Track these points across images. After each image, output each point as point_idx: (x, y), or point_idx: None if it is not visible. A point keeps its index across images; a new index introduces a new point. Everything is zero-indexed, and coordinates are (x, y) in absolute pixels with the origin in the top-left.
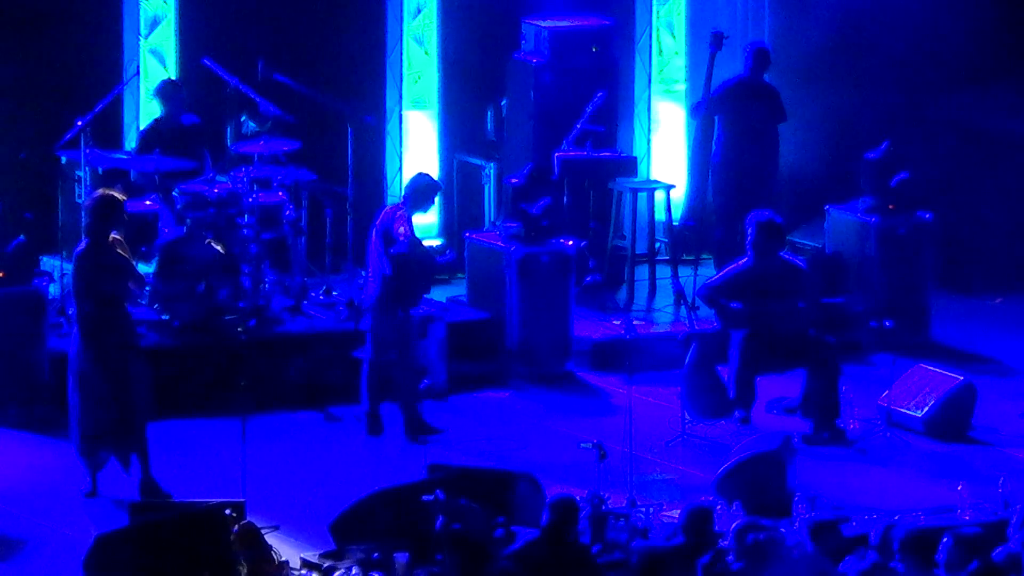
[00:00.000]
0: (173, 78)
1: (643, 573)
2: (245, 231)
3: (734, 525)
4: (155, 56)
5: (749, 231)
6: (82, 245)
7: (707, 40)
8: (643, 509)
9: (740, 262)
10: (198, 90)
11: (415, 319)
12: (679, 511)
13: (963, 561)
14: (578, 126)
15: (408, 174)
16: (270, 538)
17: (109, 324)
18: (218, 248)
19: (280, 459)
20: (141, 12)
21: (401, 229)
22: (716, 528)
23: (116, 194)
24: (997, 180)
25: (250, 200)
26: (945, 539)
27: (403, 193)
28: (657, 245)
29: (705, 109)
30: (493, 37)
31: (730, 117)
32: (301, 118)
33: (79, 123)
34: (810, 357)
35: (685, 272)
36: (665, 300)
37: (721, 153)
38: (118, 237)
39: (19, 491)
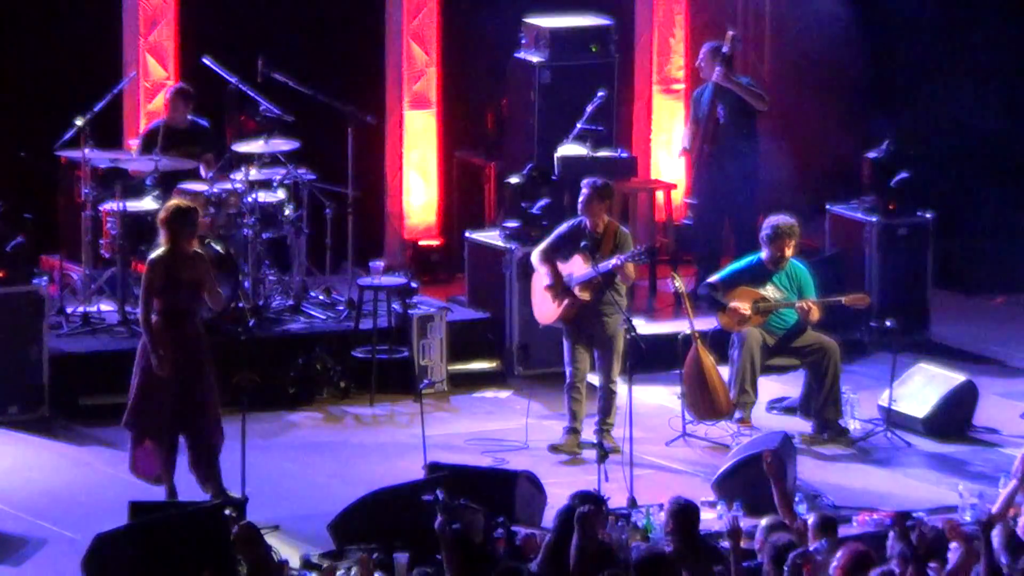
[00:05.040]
0: (185, 85)
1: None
2: (245, 231)
3: (764, 523)
4: (155, 56)
5: (765, 231)
6: (155, 253)
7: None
8: (643, 509)
9: (745, 259)
10: (198, 90)
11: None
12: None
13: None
14: (578, 126)
15: (408, 174)
16: (270, 538)
17: (174, 337)
18: (218, 248)
19: (280, 459)
20: (141, 12)
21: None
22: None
23: (188, 204)
24: (997, 180)
25: (250, 200)
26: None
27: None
28: (657, 245)
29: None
30: (493, 37)
31: (702, 120)
32: (301, 118)
33: (79, 123)
34: (810, 357)
35: (685, 272)
36: (665, 300)
37: (698, 153)
38: (200, 252)
39: (20, 491)
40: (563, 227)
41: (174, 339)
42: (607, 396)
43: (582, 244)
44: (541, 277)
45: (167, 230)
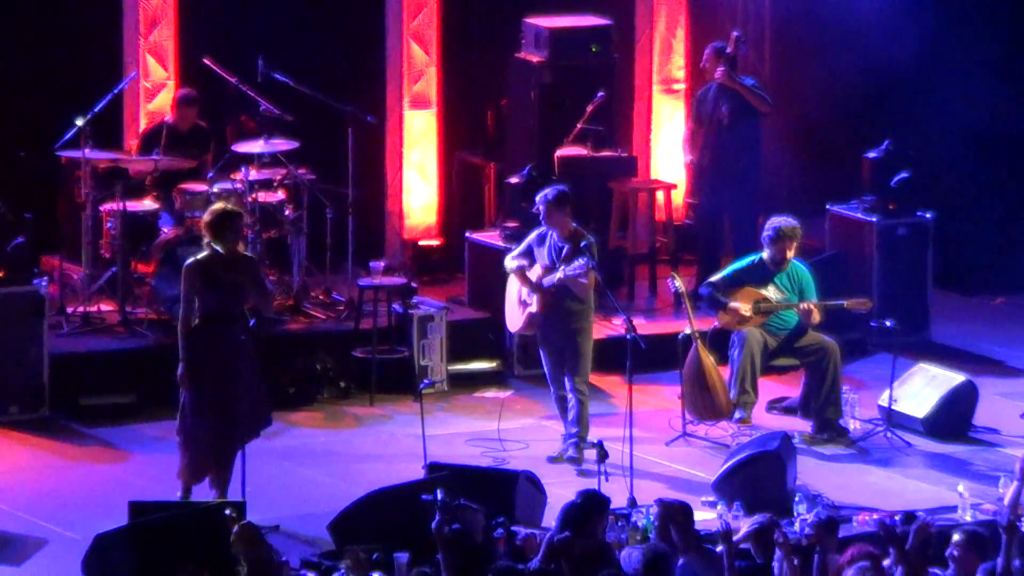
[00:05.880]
0: (193, 91)
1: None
2: (245, 231)
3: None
4: (155, 56)
5: (768, 232)
6: (192, 257)
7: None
8: (643, 509)
9: (747, 259)
10: (198, 90)
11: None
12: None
13: (973, 560)
14: (578, 126)
15: (408, 174)
16: (270, 538)
17: (212, 341)
18: (218, 248)
19: (280, 459)
20: (141, 12)
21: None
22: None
23: (232, 207)
24: (997, 180)
25: (250, 200)
26: (957, 537)
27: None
28: (657, 245)
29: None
30: (493, 37)
31: (706, 121)
32: (301, 118)
33: (79, 123)
34: (810, 357)
35: (685, 272)
36: (665, 300)
37: (700, 154)
38: (249, 256)
39: (20, 491)
40: (531, 235)
41: (211, 343)
42: (575, 405)
43: (582, 244)
44: (510, 285)
45: (209, 233)
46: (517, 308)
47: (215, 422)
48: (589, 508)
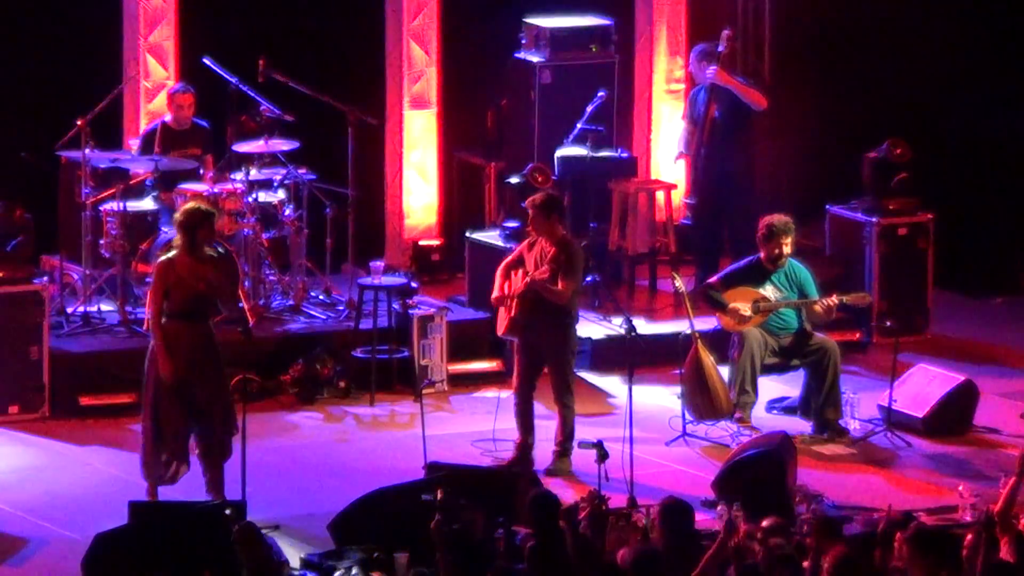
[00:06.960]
0: (191, 87)
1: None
2: (245, 231)
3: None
4: (155, 56)
5: (760, 230)
6: (166, 255)
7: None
8: (643, 509)
9: (745, 260)
10: (198, 90)
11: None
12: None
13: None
14: (578, 126)
15: (408, 174)
16: (270, 538)
17: (181, 339)
18: (219, 248)
19: (280, 459)
20: (141, 12)
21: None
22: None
23: (205, 206)
24: (997, 180)
25: (250, 200)
26: (969, 539)
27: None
28: (657, 245)
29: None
30: (493, 37)
31: (698, 121)
32: (301, 118)
33: (79, 123)
34: (811, 357)
35: (685, 272)
36: (665, 300)
37: (695, 154)
38: (216, 255)
39: (20, 491)
40: (523, 242)
41: (181, 340)
42: (560, 413)
43: (581, 248)
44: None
45: (182, 232)
46: (502, 311)
47: (178, 417)
48: (546, 511)
